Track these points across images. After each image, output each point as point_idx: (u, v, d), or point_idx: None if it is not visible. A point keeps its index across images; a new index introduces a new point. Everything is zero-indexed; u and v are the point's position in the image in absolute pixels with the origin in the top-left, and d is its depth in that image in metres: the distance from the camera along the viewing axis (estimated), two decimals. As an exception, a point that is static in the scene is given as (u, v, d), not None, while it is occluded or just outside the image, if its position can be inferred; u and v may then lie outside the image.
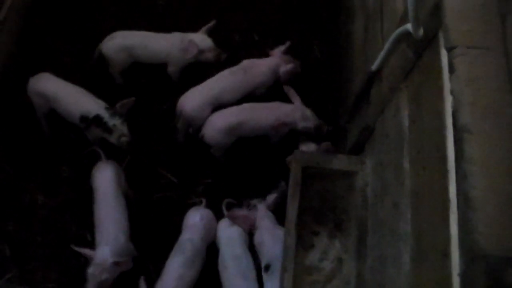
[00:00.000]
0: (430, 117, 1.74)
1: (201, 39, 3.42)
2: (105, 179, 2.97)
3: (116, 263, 2.65)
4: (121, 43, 3.43)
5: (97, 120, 3.08)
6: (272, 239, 2.75)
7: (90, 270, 2.64)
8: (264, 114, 3.14)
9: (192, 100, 3.23)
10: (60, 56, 3.76)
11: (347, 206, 2.65)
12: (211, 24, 3.52)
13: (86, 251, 2.74)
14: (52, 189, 3.28)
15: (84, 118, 3.14)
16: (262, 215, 2.88)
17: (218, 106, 3.26)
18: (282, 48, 3.43)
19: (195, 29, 3.59)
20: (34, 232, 3.10)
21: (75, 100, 3.20)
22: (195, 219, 2.90)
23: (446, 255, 1.46)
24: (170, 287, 2.66)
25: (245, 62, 3.38)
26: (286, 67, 3.32)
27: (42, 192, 3.25)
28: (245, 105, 3.25)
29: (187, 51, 3.38)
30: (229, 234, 2.87)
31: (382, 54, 2.22)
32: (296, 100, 3.20)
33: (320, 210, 2.67)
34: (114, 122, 3.08)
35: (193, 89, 3.29)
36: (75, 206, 3.20)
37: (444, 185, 1.53)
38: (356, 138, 2.72)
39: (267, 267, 2.67)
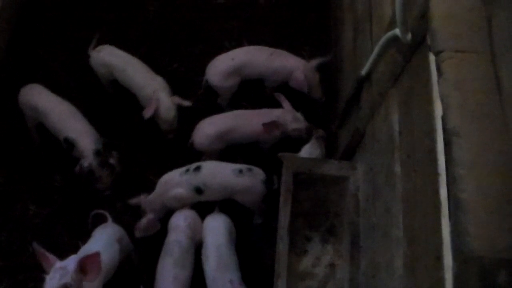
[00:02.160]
0: (420, 121, 1.74)
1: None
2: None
3: (80, 269, 2.36)
4: (105, 58, 3.42)
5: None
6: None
7: (49, 275, 2.34)
8: (255, 120, 3.14)
9: (216, 67, 3.33)
10: (51, 63, 3.78)
11: (339, 211, 2.65)
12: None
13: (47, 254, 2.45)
14: (44, 199, 3.28)
15: (67, 141, 3.15)
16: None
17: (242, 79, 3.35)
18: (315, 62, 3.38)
19: (185, 36, 3.59)
20: (26, 242, 3.08)
21: (63, 121, 3.19)
22: (179, 220, 2.91)
23: (438, 258, 1.46)
24: None
25: (278, 50, 3.40)
26: (300, 76, 3.29)
27: (34, 202, 3.25)
28: (235, 112, 3.26)
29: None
30: (214, 224, 2.89)
31: (371, 58, 2.23)
32: (286, 104, 3.20)
33: (312, 215, 2.68)
34: (93, 163, 3.07)
35: (219, 57, 3.38)
36: (67, 215, 3.20)
37: (435, 188, 1.53)
38: (347, 143, 2.72)
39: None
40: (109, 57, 3.41)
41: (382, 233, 2.07)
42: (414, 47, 1.76)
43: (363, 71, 2.37)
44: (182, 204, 2.99)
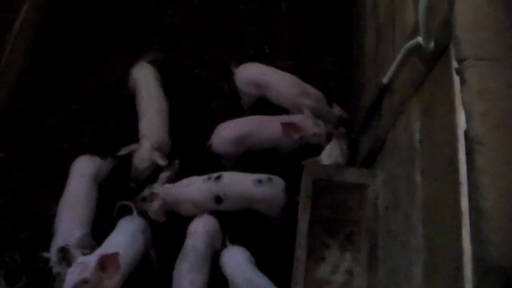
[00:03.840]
0: (442, 129, 1.73)
1: None
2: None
3: (100, 265, 2.48)
4: (135, 74, 3.48)
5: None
6: None
7: (70, 269, 2.47)
8: (274, 125, 3.14)
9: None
10: (71, 72, 3.83)
11: (358, 218, 2.64)
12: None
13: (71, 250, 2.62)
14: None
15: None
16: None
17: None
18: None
19: (205, 43, 3.62)
20: (45, 241, 3.10)
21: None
22: (198, 226, 2.91)
23: (458, 268, 1.45)
24: None
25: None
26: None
27: (54, 201, 3.25)
28: (254, 117, 3.27)
29: None
30: (235, 260, 2.83)
31: (393, 67, 2.23)
32: (307, 111, 3.20)
33: (331, 222, 2.67)
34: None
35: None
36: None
37: (456, 197, 1.52)
38: (368, 150, 2.72)
39: None
40: (137, 74, 3.47)
41: (401, 241, 2.06)
42: (437, 56, 1.75)
43: (385, 79, 2.36)
44: (196, 210, 2.99)
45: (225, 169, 3.24)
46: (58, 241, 2.84)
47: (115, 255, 2.50)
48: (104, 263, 2.49)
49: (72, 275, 2.43)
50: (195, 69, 3.80)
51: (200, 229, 2.88)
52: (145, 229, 2.91)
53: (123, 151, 3.15)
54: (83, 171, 3.11)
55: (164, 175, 3.05)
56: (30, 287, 3.04)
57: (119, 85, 3.66)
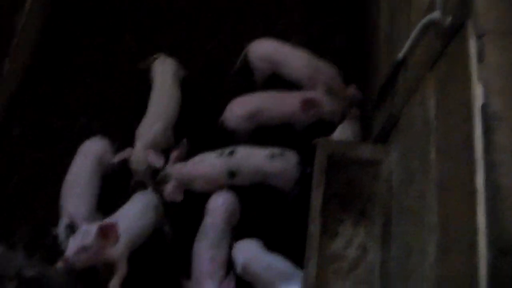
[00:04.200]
0: (457, 106, 1.72)
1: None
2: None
3: (102, 234, 2.57)
4: (154, 69, 3.46)
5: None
6: None
7: (73, 235, 2.61)
8: (287, 101, 3.14)
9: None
10: (85, 47, 3.83)
11: (372, 194, 2.64)
12: None
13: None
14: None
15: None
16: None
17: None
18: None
19: (218, 21, 3.58)
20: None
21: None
22: (217, 203, 2.93)
23: (472, 246, 1.45)
24: (208, 270, 2.69)
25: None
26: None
27: None
28: (267, 92, 3.26)
29: None
30: (249, 252, 2.81)
31: (408, 43, 2.20)
32: (321, 86, 3.18)
33: (345, 198, 2.67)
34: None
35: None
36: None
37: (471, 175, 1.52)
38: (381, 127, 2.70)
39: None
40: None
41: (415, 218, 2.06)
42: (453, 31, 1.73)
43: (400, 55, 2.34)
44: (210, 186, 3.01)
45: (237, 144, 3.25)
46: (65, 218, 2.90)
47: (114, 224, 2.61)
48: (105, 232, 2.59)
49: (74, 241, 2.55)
50: (208, 45, 3.79)
51: (219, 206, 2.91)
52: (157, 205, 2.96)
53: (117, 158, 3.13)
54: (88, 152, 3.14)
55: (174, 155, 3.06)
56: (45, 260, 3.09)
57: (133, 62, 3.64)
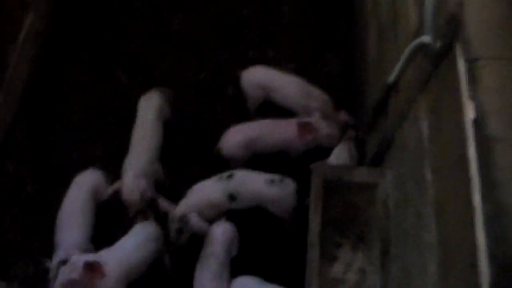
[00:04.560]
0: (450, 126, 1.75)
1: None
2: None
3: (88, 267, 2.58)
4: (140, 104, 3.43)
5: None
6: None
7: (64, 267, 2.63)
8: (284, 127, 3.16)
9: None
10: (77, 82, 3.85)
11: (369, 217, 2.65)
12: None
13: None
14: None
15: None
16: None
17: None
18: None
19: (210, 49, 3.62)
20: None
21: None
22: (217, 233, 2.92)
23: (473, 265, 1.46)
24: None
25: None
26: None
27: None
28: (263, 120, 3.29)
29: None
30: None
31: (398, 66, 2.25)
32: (315, 112, 3.21)
33: (342, 222, 2.68)
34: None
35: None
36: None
37: (468, 193, 1.53)
38: (375, 150, 2.73)
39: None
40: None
41: (413, 239, 2.07)
42: (443, 53, 1.77)
43: (390, 79, 2.38)
44: (215, 212, 3.01)
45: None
46: (59, 253, 2.88)
47: (98, 263, 2.61)
48: (90, 267, 2.60)
49: (62, 275, 2.58)
50: (201, 74, 3.83)
51: (220, 236, 2.90)
52: (158, 237, 2.94)
53: (109, 191, 3.15)
54: (82, 183, 3.14)
55: (167, 205, 3.07)
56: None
57: (125, 96, 3.68)
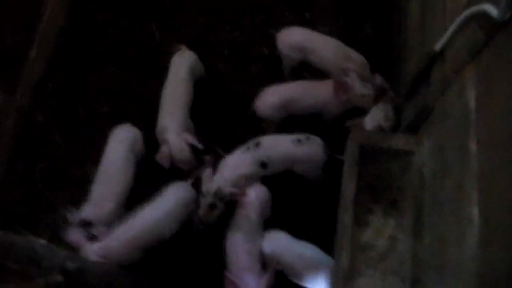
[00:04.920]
0: (502, 99, 1.72)
1: None
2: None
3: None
4: (172, 61, 3.45)
5: None
6: None
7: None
8: (321, 88, 3.15)
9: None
10: (109, 35, 3.85)
11: (403, 185, 2.64)
12: None
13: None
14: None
15: None
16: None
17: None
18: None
19: (244, 9, 3.62)
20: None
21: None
22: (251, 197, 2.94)
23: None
24: (246, 264, 2.71)
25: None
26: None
27: (92, 164, 3.23)
28: (300, 82, 3.27)
29: None
30: (279, 243, 2.83)
31: (447, 34, 2.20)
32: (352, 74, 3.17)
33: (375, 188, 2.68)
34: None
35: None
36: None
37: (518, 168, 1.53)
38: (413, 118, 2.70)
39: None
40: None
41: (452, 210, 2.07)
42: (502, 25, 1.73)
43: (437, 47, 2.33)
44: (249, 182, 3.01)
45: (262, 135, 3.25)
46: (88, 210, 2.93)
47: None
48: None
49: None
50: (234, 33, 3.79)
51: (254, 200, 2.92)
52: (191, 202, 2.98)
53: (164, 161, 3.09)
54: (122, 138, 3.14)
55: (206, 174, 3.01)
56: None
57: (157, 50, 3.69)
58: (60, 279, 2.29)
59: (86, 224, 2.87)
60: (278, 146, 3.02)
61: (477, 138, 1.91)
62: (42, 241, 2.53)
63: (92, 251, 2.75)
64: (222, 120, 3.48)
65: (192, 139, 3.08)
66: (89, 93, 3.65)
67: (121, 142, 3.12)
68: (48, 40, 3.74)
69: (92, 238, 2.82)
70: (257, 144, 3.00)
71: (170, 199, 2.93)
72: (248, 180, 3.01)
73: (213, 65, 3.62)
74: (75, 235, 2.81)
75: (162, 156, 3.09)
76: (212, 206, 2.92)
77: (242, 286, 2.59)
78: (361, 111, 3.08)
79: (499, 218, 1.65)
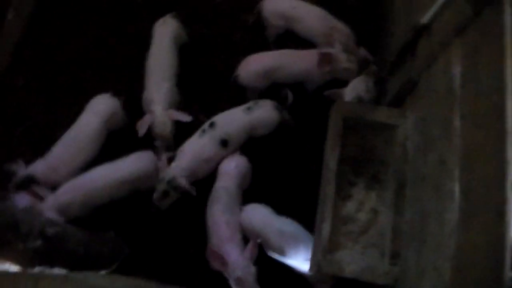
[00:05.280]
0: (488, 76, 1.71)
1: None
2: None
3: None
4: (154, 29, 3.37)
5: None
6: None
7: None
8: (304, 57, 3.12)
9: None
10: (85, 18, 3.75)
11: (386, 158, 2.66)
12: None
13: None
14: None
15: None
16: None
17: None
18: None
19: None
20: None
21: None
22: (230, 167, 2.93)
23: (500, 215, 1.48)
24: (226, 234, 2.68)
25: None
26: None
27: None
28: (283, 50, 3.23)
29: None
30: (259, 216, 2.80)
31: (434, 7, 2.17)
32: (337, 44, 3.14)
33: (358, 161, 2.69)
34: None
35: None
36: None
37: (501, 146, 1.53)
38: (397, 91, 2.69)
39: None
40: None
41: (433, 184, 2.08)
42: (488, 0, 1.71)
43: (424, 19, 2.30)
44: (211, 165, 2.97)
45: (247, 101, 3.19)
46: (38, 167, 2.90)
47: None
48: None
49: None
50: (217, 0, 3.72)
51: (232, 169, 2.90)
52: (152, 174, 2.94)
53: (141, 129, 2.98)
54: (98, 110, 3.06)
55: (163, 161, 2.94)
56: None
57: (139, 19, 3.61)
58: (39, 244, 2.28)
59: (28, 180, 2.83)
60: (233, 120, 3.00)
61: (461, 113, 1.91)
62: (22, 206, 2.52)
63: (46, 207, 2.72)
64: (205, 87, 3.42)
65: (177, 115, 3.03)
66: (69, 59, 3.56)
67: (96, 114, 3.05)
68: (25, 4, 3.63)
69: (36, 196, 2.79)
70: (212, 125, 2.96)
71: (130, 165, 2.91)
72: (209, 164, 2.97)
73: (196, 31, 3.55)
74: (22, 198, 2.75)
75: (142, 124, 3.02)
76: (165, 193, 2.86)
77: (224, 257, 2.59)
78: (344, 82, 3.06)
79: (479, 195, 1.66)
